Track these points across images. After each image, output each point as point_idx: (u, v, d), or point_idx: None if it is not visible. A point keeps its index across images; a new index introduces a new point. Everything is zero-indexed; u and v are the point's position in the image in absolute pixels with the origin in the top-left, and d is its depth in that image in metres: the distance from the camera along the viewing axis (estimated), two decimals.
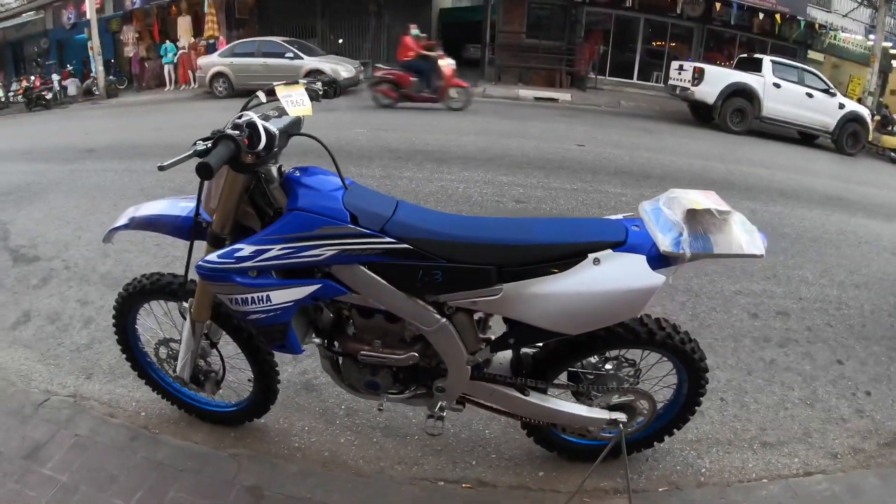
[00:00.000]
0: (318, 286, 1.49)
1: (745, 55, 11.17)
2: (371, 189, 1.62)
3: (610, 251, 1.45)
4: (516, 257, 1.45)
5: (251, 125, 1.33)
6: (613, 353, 1.75)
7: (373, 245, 1.43)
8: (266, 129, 1.34)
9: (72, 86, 14.38)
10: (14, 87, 14.78)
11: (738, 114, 9.52)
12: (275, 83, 1.53)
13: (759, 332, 2.94)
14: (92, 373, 2.51)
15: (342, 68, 11.56)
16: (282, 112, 1.53)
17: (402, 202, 1.58)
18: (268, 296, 1.49)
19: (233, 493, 1.93)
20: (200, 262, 1.54)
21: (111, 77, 14.88)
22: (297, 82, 1.55)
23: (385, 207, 1.50)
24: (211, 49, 13.78)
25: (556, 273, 1.44)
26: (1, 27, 17.90)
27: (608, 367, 1.76)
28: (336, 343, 1.74)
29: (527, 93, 12.61)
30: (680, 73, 10.15)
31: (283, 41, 12.24)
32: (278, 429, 2.24)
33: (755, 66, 9.95)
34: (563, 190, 5.17)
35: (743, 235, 1.43)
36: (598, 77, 13.97)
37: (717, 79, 9.61)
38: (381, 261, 1.45)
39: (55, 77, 14.23)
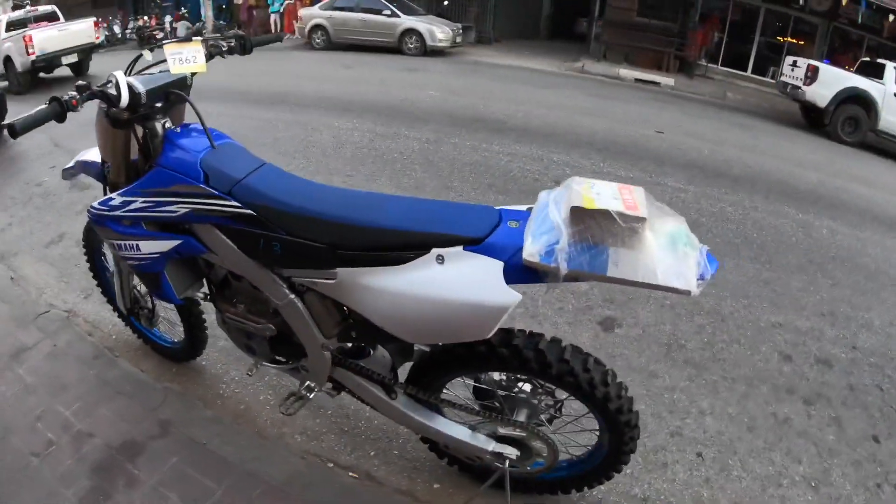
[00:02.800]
0: (180, 242, 1.42)
1: (868, 59, 9.08)
2: (244, 151, 1.47)
3: (460, 249, 1.06)
4: (352, 239, 1.17)
5: (116, 83, 1.26)
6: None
7: (220, 207, 1.30)
8: (131, 87, 1.27)
9: (182, 28, 14.41)
10: (132, 25, 15.39)
11: (851, 122, 7.73)
12: (165, 41, 1.46)
13: (785, 380, 2.28)
14: (90, 294, 2.58)
15: (438, 30, 10.99)
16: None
17: (269, 166, 1.41)
18: (137, 245, 1.46)
19: (147, 422, 1.91)
20: (89, 207, 1.54)
21: (220, 22, 15.05)
22: (191, 40, 1.45)
23: (241, 170, 1.34)
24: (317, 1, 13.40)
25: (396, 266, 1.11)
26: None
27: (525, 388, 1.37)
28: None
29: (628, 73, 11.36)
30: (793, 70, 8.42)
31: None
32: (213, 373, 2.21)
33: (878, 73, 8.03)
34: (616, 176, 4.48)
35: (665, 257, 0.95)
36: (709, 65, 12.15)
37: (832, 80, 7.86)
38: (229, 224, 1.32)
39: (168, 19, 14.74)
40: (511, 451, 1.34)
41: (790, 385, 2.26)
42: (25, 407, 1.98)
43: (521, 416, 1.35)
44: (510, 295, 1.03)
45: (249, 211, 1.26)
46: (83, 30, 9.69)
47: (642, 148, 5.47)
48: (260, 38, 1.71)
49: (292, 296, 1.32)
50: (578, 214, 0.97)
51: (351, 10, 11.58)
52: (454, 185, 4.09)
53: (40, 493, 1.63)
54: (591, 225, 0.96)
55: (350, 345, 1.40)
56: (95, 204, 1.49)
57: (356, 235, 1.17)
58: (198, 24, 14.87)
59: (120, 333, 2.36)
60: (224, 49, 1.58)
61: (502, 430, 1.34)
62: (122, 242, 1.47)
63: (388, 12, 11.29)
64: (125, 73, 1.32)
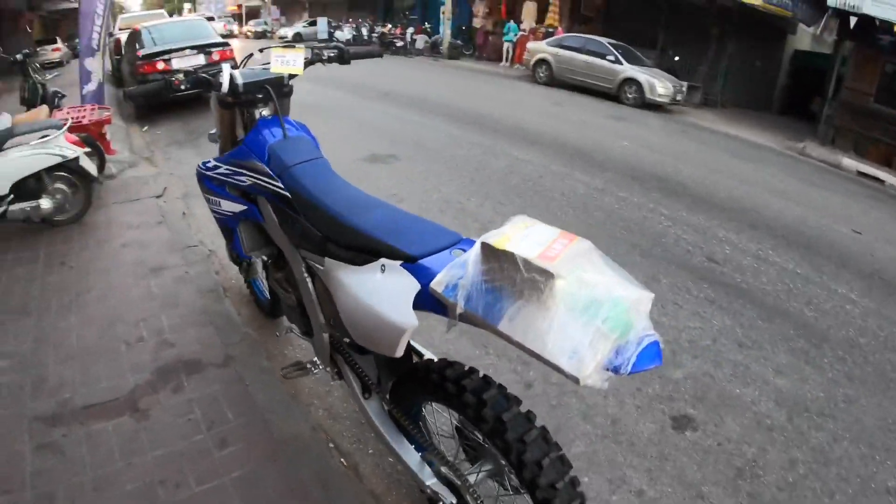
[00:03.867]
0: (246, 208, 1.64)
1: None
2: (311, 145, 1.63)
3: (398, 264, 1.07)
4: (337, 234, 1.26)
5: (221, 73, 1.54)
6: None
7: (271, 185, 1.48)
8: (233, 78, 1.53)
9: (420, 41, 15.92)
10: (378, 30, 17.29)
11: None
12: (273, 45, 1.77)
13: None
14: None
15: (659, 84, 10.43)
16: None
17: (321, 161, 1.54)
18: (220, 202, 1.75)
19: (216, 351, 2.26)
20: (197, 166, 1.86)
21: (457, 41, 16.00)
22: (294, 46, 1.69)
23: (295, 159, 1.49)
24: (548, 37, 13.41)
25: (355, 266, 1.18)
26: None
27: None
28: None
29: (851, 163, 9.52)
30: None
31: (610, 43, 11.46)
32: (289, 335, 2.39)
33: None
34: (780, 268, 3.77)
35: (567, 327, 0.77)
36: None
37: None
38: (275, 202, 1.50)
39: (410, 30, 16.23)
40: (447, 495, 1.26)
41: None
42: (140, 308, 2.48)
43: (486, 468, 1.25)
44: (408, 318, 1.00)
45: (287, 193, 1.42)
46: None
47: (827, 244, 4.54)
48: (359, 50, 1.89)
49: (306, 274, 1.45)
50: (487, 252, 0.88)
51: (577, 50, 11.59)
52: (595, 234, 3.84)
53: (112, 371, 2.05)
54: (494, 267, 0.86)
55: (337, 332, 1.45)
56: (200, 164, 1.80)
57: (341, 232, 1.26)
58: (435, 36, 16.16)
59: (238, 280, 2.76)
60: (324, 58, 1.78)
61: (444, 471, 1.26)
62: (211, 198, 1.77)
63: (612, 58, 11.03)
64: (234, 67, 1.62)
